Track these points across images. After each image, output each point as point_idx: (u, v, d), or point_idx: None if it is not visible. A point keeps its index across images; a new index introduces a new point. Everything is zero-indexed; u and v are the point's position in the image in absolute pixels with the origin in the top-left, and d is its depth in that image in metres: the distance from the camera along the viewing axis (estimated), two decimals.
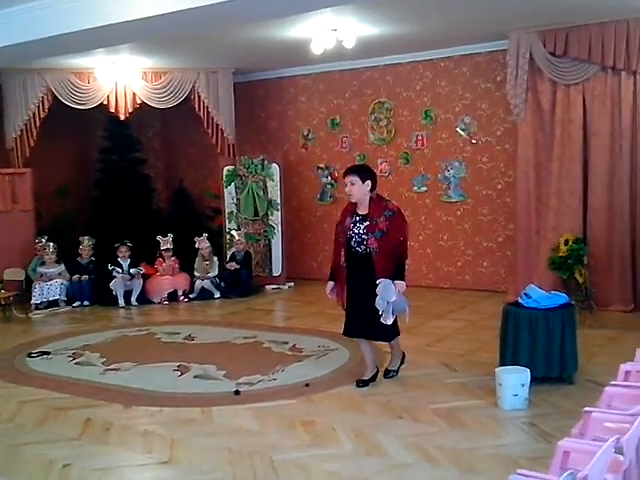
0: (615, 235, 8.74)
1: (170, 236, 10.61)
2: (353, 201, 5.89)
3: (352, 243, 5.83)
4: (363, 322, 5.87)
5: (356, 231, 5.81)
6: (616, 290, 8.68)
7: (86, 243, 10.54)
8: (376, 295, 5.65)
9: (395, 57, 10.66)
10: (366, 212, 5.83)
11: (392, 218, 5.77)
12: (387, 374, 6.15)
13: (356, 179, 5.81)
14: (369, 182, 5.83)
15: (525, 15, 8.29)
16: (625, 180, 8.66)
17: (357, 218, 5.85)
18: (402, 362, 6.24)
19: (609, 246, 8.74)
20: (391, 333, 5.95)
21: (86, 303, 10.21)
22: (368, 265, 5.75)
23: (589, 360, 6.38)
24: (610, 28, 8.40)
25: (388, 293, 5.65)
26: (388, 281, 5.67)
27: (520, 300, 6.06)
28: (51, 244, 10.32)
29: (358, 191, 5.83)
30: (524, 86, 9.14)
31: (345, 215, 5.97)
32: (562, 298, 6.03)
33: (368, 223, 5.78)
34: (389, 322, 5.72)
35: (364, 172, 5.92)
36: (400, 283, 5.74)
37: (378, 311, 5.67)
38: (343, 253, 5.89)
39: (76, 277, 10.27)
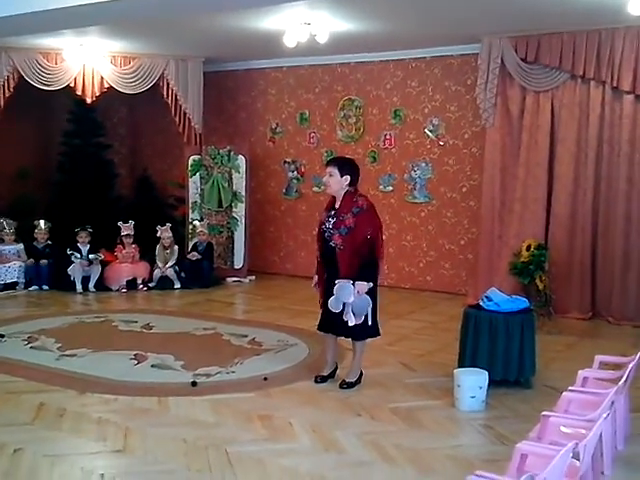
0: (576, 243, 8.83)
1: (131, 222, 10.47)
2: (329, 192, 5.84)
3: (325, 237, 5.78)
4: (333, 318, 5.77)
5: (328, 226, 5.74)
6: (575, 297, 8.78)
7: (42, 227, 10.36)
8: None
9: (367, 55, 10.63)
10: (338, 207, 5.78)
11: (360, 215, 5.65)
12: (342, 385, 5.90)
13: (335, 171, 5.73)
14: (348, 177, 5.72)
15: (498, 20, 8.33)
16: (589, 189, 8.76)
17: (332, 212, 5.77)
18: (359, 380, 5.97)
19: (570, 254, 8.84)
20: (362, 332, 5.79)
21: (45, 287, 10.04)
22: (335, 261, 5.71)
23: (546, 365, 6.43)
24: (582, 37, 8.48)
25: (344, 294, 5.58)
26: (345, 281, 5.58)
27: (481, 303, 6.08)
28: (11, 222, 10.15)
29: (334, 184, 5.75)
30: (494, 91, 9.19)
31: (325, 208, 5.91)
32: (523, 302, 6.07)
33: (336, 219, 5.74)
34: (351, 323, 5.63)
35: (345, 166, 5.81)
36: (360, 284, 5.57)
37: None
38: (318, 247, 5.86)
39: (30, 261, 10.09)
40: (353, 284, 5.58)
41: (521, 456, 3.30)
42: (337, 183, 5.74)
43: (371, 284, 5.65)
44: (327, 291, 5.79)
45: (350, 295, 5.57)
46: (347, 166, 5.83)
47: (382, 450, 4.57)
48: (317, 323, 6.07)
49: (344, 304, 5.61)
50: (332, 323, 5.83)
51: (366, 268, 5.65)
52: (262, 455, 4.47)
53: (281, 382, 6.03)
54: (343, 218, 5.66)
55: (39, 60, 10.38)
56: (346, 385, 5.88)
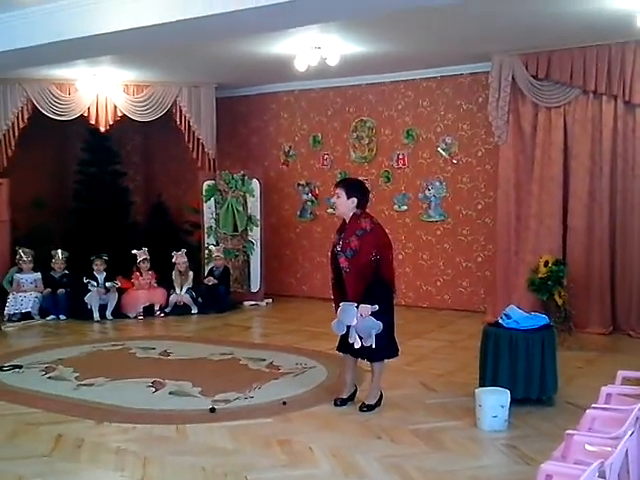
0: (594, 257, 8.76)
1: (144, 249, 10.47)
2: (337, 214, 5.83)
3: (337, 259, 5.77)
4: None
5: (338, 248, 5.73)
6: (595, 312, 8.69)
7: (59, 256, 10.34)
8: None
9: (378, 76, 10.69)
10: (346, 229, 5.75)
11: (364, 237, 5.58)
12: (362, 407, 5.83)
13: (342, 193, 5.69)
14: (354, 199, 5.66)
15: (508, 38, 8.34)
16: (605, 203, 8.70)
17: (342, 235, 5.74)
18: (379, 402, 5.89)
19: (588, 268, 8.76)
20: (377, 353, 5.70)
21: (62, 317, 10.04)
22: (343, 284, 5.72)
23: (568, 382, 6.35)
24: (592, 52, 8.47)
25: (346, 316, 5.55)
26: (348, 304, 5.56)
27: (500, 320, 6.02)
28: (28, 250, 10.19)
29: (341, 206, 5.74)
30: (506, 108, 9.19)
31: (337, 230, 5.87)
32: (542, 319, 6.00)
33: (342, 242, 5.70)
34: (357, 346, 5.59)
35: (352, 188, 5.75)
36: (363, 307, 5.51)
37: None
38: (331, 270, 5.86)
39: (47, 290, 10.11)
40: (358, 306, 5.54)
41: (546, 477, 3.23)
42: (344, 205, 5.71)
43: (376, 307, 5.53)
44: None
45: (353, 318, 5.53)
46: (354, 188, 5.77)
47: (404, 473, 4.50)
48: (336, 344, 6.02)
49: (349, 327, 5.58)
50: (350, 344, 5.77)
51: (370, 290, 5.56)
52: None
53: (300, 406, 5.97)
54: (349, 241, 5.62)
55: (52, 91, 10.51)
56: (366, 408, 5.81)
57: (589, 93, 8.68)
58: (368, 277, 5.56)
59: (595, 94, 8.64)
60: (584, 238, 8.82)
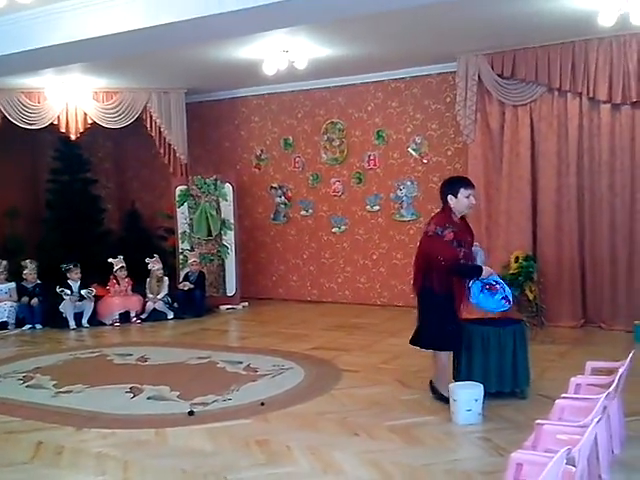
0: (564, 252, 8.91)
1: (120, 257, 10.47)
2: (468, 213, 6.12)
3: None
4: None
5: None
6: (566, 306, 8.85)
7: (29, 267, 10.26)
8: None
9: (347, 78, 10.76)
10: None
11: None
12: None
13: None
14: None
15: (473, 38, 8.47)
16: (572, 199, 8.85)
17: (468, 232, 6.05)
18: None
19: (558, 263, 8.91)
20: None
21: (38, 326, 10.00)
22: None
23: (541, 375, 6.48)
24: (556, 50, 8.63)
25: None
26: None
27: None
28: (2, 261, 10.15)
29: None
30: (473, 107, 9.32)
31: (462, 232, 5.99)
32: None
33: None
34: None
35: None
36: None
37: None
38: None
39: (25, 299, 10.07)
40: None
41: (516, 465, 3.33)
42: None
43: None
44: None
45: None
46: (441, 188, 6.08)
47: (381, 469, 4.58)
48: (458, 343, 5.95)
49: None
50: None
51: None
52: None
53: (278, 406, 6.03)
54: None
55: (21, 100, 10.47)
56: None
57: (554, 91, 8.83)
58: None
59: (560, 91, 8.80)
60: (553, 234, 8.96)
